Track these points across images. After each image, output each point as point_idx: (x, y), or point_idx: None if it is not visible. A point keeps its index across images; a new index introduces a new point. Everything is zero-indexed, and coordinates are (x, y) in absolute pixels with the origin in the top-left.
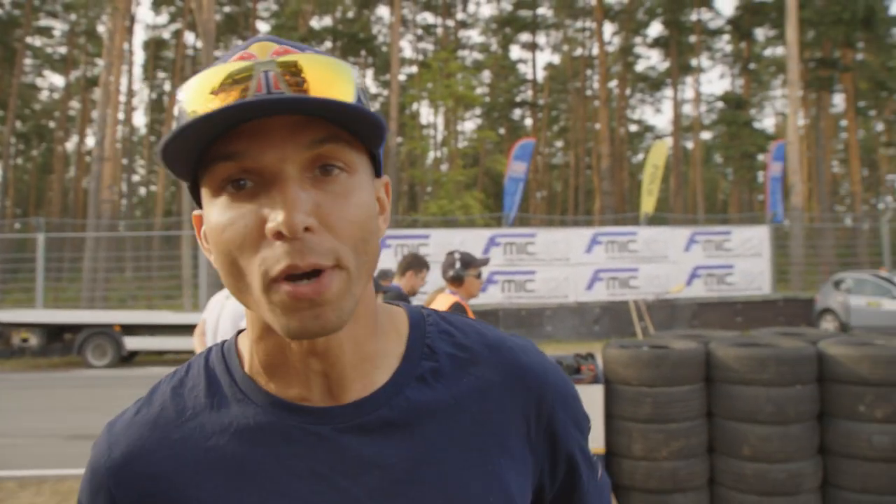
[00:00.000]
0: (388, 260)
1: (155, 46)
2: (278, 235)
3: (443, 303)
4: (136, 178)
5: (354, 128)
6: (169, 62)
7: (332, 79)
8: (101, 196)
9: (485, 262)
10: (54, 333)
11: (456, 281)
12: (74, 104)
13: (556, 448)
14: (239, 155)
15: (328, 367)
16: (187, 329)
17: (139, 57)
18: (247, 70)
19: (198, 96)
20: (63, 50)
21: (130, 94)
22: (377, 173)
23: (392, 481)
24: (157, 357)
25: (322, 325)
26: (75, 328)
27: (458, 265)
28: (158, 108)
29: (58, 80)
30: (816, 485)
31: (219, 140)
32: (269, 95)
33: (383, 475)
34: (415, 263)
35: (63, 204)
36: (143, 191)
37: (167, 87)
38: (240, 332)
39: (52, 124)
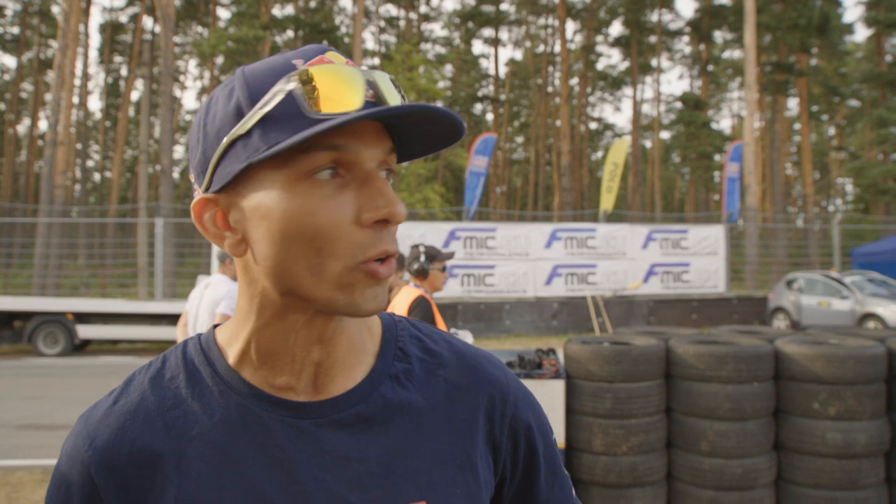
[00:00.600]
0: None
1: (112, 30)
2: (383, 223)
3: (407, 296)
4: (90, 163)
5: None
6: (126, 46)
7: (397, 93)
8: (54, 181)
9: (450, 255)
10: (4, 320)
11: (421, 274)
12: (27, 86)
13: (518, 446)
14: (342, 148)
15: (325, 356)
16: (142, 318)
17: (95, 40)
18: (366, 76)
19: (332, 92)
20: (16, 30)
21: (86, 77)
22: None
23: (367, 474)
24: (111, 346)
25: (379, 305)
26: (26, 315)
27: (423, 258)
28: (114, 92)
29: (10, 60)
30: (771, 480)
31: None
32: (390, 104)
33: (359, 468)
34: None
35: (14, 188)
36: (97, 177)
37: (124, 71)
38: (215, 326)
39: (2, 106)
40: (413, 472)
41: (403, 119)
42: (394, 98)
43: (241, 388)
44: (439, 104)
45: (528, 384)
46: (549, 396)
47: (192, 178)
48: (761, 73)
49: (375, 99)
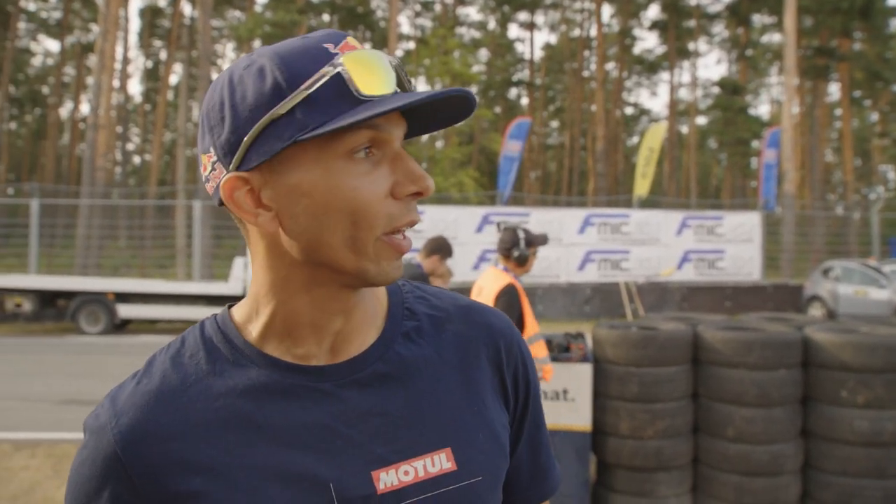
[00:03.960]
0: None
1: (151, 14)
2: (417, 195)
3: (496, 282)
4: (130, 146)
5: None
6: (165, 30)
7: (405, 77)
8: (95, 163)
9: (545, 240)
10: (48, 299)
11: (521, 260)
12: (69, 70)
13: (519, 394)
14: (380, 127)
15: (345, 325)
16: (180, 298)
17: (135, 24)
18: (391, 61)
19: (373, 76)
20: (58, 14)
21: (126, 61)
22: None
23: (391, 426)
24: (150, 326)
25: (400, 274)
26: (69, 295)
27: (522, 244)
28: (153, 76)
29: (53, 45)
30: (798, 467)
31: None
32: (417, 91)
33: (383, 421)
34: (443, 249)
35: (57, 170)
36: (137, 160)
37: (163, 55)
38: (230, 305)
39: (46, 90)
40: (435, 422)
41: (428, 103)
42: (407, 82)
43: (260, 360)
44: (473, 89)
45: (555, 367)
46: (577, 380)
47: (211, 157)
48: (801, 57)
49: (398, 83)
